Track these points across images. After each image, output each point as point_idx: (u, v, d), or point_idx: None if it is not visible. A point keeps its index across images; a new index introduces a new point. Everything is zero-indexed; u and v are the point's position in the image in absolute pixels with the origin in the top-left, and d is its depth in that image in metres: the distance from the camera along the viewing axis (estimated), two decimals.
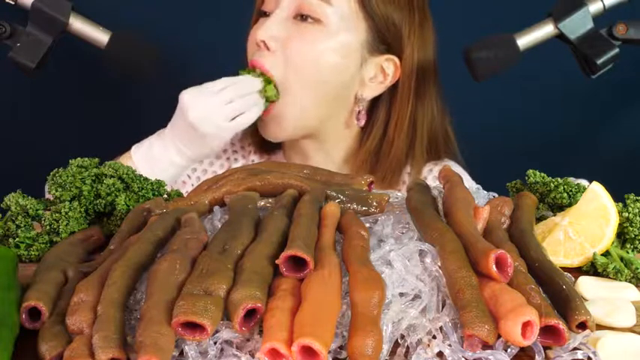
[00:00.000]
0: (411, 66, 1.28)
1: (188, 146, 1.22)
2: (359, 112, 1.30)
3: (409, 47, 1.27)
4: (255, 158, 1.39)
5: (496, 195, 0.85)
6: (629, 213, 0.82)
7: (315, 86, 1.24)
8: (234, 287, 0.61)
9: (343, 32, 1.23)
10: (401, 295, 0.64)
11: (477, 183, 0.87)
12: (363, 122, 1.31)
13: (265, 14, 1.26)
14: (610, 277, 0.77)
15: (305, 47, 1.23)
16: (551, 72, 1.61)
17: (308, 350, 0.55)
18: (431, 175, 1.34)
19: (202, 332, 0.57)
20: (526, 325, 0.58)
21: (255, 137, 1.36)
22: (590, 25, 1.29)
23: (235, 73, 1.28)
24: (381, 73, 1.28)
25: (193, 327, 0.57)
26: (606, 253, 0.80)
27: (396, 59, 1.28)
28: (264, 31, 1.22)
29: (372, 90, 1.29)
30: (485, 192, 0.85)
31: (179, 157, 1.23)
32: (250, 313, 0.59)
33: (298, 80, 1.23)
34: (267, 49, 1.23)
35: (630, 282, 0.76)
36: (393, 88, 1.30)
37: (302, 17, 1.23)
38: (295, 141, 1.34)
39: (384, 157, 1.30)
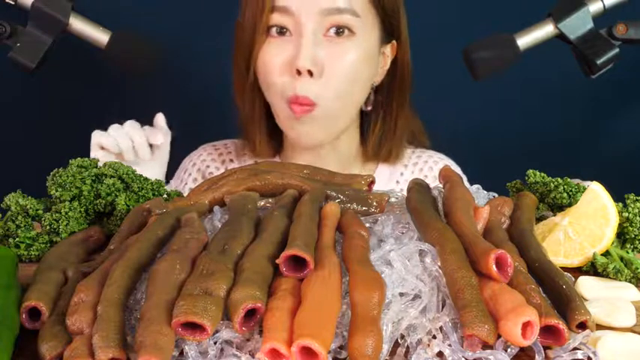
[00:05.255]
0: (405, 42, 1.29)
1: None
2: (367, 97, 1.29)
3: (403, 25, 1.27)
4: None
5: (496, 195, 0.84)
6: (629, 213, 0.82)
7: (348, 98, 1.21)
8: (234, 287, 0.61)
9: (367, 36, 1.20)
10: (401, 295, 0.64)
11: (477, 183, 0.87)
12: (370, 106, 1.30)
13: (276, 29, 1.18)
14: (610, 277, 0.77)
15: (344, 65, 1.17)
16: (551, 72, 1.60)
17: (308, 350, 0.55)
18: (416, 168, 1.35)
19: (202, 332, 0.57)
20: (526, 325, 0.58)
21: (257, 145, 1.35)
22: (590, 25, 1.28)
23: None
24: (384, 58, 1.28)
25: (193, 327, 0.57)
26: (606, 253, 0.80)
27: (394, 41, 1.28)
28: (305, 59, 1.14)
29: (380, 76, 1.29)
30: (485, 192, 0.85)
31: None
32: (250, 313, 0.59)
33: (335, 97, 1.19)
34: (311, 75, 1.15)
35: (630, 282, 0.76)
36: (392, 66, 1.30)
37: (337, 31, 1.17)
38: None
39: (390, 133, 1.31)
